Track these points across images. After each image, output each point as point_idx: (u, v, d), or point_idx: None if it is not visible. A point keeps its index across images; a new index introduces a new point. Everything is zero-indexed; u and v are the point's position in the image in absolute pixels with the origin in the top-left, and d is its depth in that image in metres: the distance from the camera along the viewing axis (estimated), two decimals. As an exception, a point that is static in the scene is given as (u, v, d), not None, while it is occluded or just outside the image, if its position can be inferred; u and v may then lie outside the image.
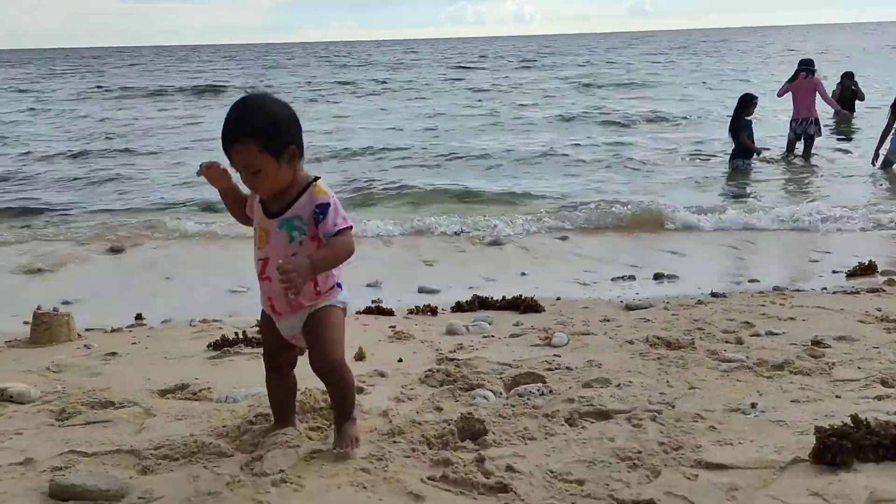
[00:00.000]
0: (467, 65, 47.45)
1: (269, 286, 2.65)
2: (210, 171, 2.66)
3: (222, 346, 4.22)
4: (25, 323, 4.75)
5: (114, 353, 4.18)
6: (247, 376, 3.71)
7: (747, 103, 11.62)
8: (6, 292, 6.24)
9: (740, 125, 11.66)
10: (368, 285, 6.19)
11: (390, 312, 5.06)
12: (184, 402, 3.39)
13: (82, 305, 5.58)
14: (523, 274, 6.54)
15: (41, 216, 9.81)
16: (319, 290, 2.67)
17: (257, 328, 4.47)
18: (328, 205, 2.55)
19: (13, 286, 6.51)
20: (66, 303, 5.52)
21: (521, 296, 5.17)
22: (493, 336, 4.42)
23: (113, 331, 4.80)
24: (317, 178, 2.61)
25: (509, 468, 2.54)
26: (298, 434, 2.88)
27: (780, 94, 12.87)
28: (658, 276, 6.24)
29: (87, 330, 4.74)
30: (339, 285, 2.74)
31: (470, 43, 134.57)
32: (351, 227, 2.60)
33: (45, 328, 4.42)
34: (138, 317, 5.14)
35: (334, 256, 2.58)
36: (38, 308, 4.57)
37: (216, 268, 7.06)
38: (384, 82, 33.51)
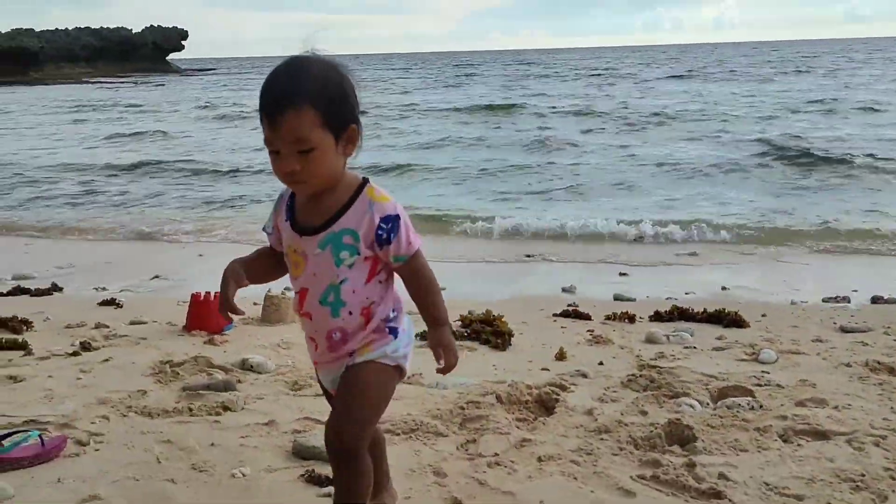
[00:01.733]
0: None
1: (311, 325, 1.99)
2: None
3: (429, 337, 4.46)
4: (255, 304, 5.29)
5: (333, 336, 4.55)
6: (454, 366, 3.92)
7: None
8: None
9: None
10: (564, 290, 6.28)
11: (587, 317, 5.11)
12: (399, 384, 3.64)
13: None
14: (724, 288, 6.34)
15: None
16: (369, 327, 1.96)
17: (459, 322, 4.72)
18: (398, 217, 1.89)
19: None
20: (287, 288, 6.05)
21: (723, 309, 5.04)
22: (694, 347, 4.36)
23: (330, 316, 5.21)
24: (366, 179, 1.95)
25: (722, 476, 2.53)
26: (508, 422, 3.03)
27: None
28: (876, 300, 5.82)
29: (307, 314, 5.18)
30: (391, 330, 1.98)
31: (668, 51, 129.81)
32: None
33: (275, 309, 4.90)
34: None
35: (437, 293, 1.99)
36: (269, 291, 5.07)
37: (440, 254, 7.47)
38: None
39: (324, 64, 1.86)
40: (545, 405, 3.31)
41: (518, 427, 3.03)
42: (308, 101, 1.78)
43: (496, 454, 2.73)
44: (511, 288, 6.60)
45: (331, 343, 1.96)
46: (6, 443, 2.59)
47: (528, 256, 7.88)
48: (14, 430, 2.73)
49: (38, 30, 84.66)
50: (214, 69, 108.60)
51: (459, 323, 4.65)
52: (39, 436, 2.65)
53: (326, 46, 1.90)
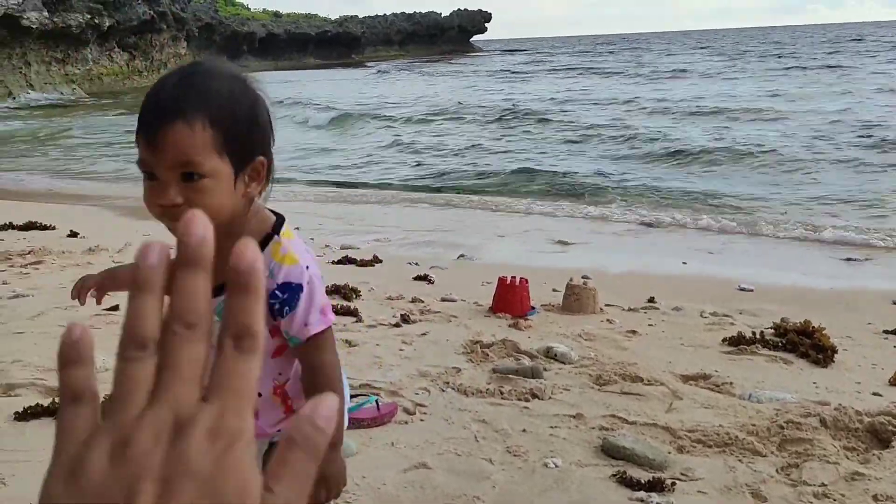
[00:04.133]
0: None
1: None
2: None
3: (738, 342, 4.24)
4: (555, 291, 5.40)
5: (634, 332, 4.50)
6: (768, 378, 3.68)
7: None
8: (548, 258, 7.17)
9: None
10: (894, 302, 5.59)
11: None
12: (707, 391, 3.51)
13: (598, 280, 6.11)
14: None
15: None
16: (291, 406, 1.61)
17: (772, 330, 4.41)
18: (300, 288, 1.47)
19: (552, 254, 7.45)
20: (585, 277, 6.10)
21: None
22: None
23: (629, 309, 5.16)
24: (281, 221, 1.52)
25: None
26: (836, 450, 2.78)
27: None
28: None
29: (606, 305, 5.18)
30: None
31: None
32: (330, 327, 1.52)
33: (576, 298, 4.96)
34: (651, 300, 5.44)
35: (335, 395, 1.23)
36: (571, 280, 5.14)
37: (729, 261, 7.10)
38: None
39: (231, 74, 1.43)
40: (879, 436, 2.98)
41: (847, 457, 2.77)
42: (203, 113, 1.34)
43: (823, 484, 2.52)
44: (831, 285, 6.04)
45: None
46: (351, 403, 2.93)
47: (850, 260, 7.13)
48: (355, 392, 3.08)
49: (360, 16, 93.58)
50: (519, 49, 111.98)
51: (773, 331, 4.35)
52: (375, 401, 2.96)
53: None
